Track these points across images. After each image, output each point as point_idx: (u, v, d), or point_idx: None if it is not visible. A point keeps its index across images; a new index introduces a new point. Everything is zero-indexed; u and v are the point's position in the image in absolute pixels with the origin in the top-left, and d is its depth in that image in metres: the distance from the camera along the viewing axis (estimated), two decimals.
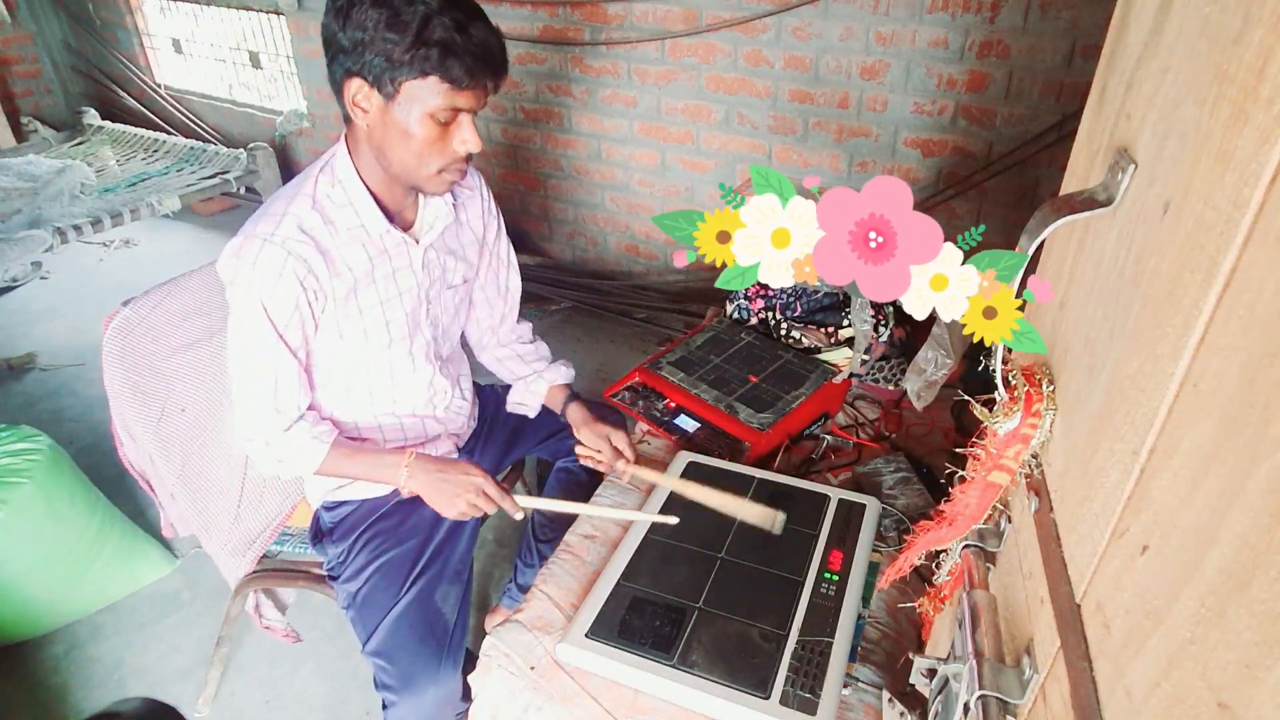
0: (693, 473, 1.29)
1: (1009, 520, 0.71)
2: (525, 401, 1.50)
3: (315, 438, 1.19)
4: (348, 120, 1.11)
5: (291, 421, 1.18)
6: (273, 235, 1.09)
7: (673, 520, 1.17)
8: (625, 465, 1.32)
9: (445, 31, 0.99)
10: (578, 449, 1.37)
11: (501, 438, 1.53)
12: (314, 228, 1.12)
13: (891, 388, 1.53)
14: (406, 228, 1.22)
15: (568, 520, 1.27)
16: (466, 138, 1.08)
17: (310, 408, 1.24)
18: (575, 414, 1.41)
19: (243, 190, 3.46)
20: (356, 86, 1.04)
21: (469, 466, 1.22)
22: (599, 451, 1.33)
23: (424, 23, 0.98)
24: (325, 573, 1.34)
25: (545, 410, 1.54)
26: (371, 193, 1.15)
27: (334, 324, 1.17)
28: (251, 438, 1.18)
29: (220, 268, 1.13)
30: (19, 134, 4.21)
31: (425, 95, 1.03)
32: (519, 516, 1.24)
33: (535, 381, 1.47)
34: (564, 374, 1.49)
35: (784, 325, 1.62)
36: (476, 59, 1.02)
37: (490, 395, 1.56)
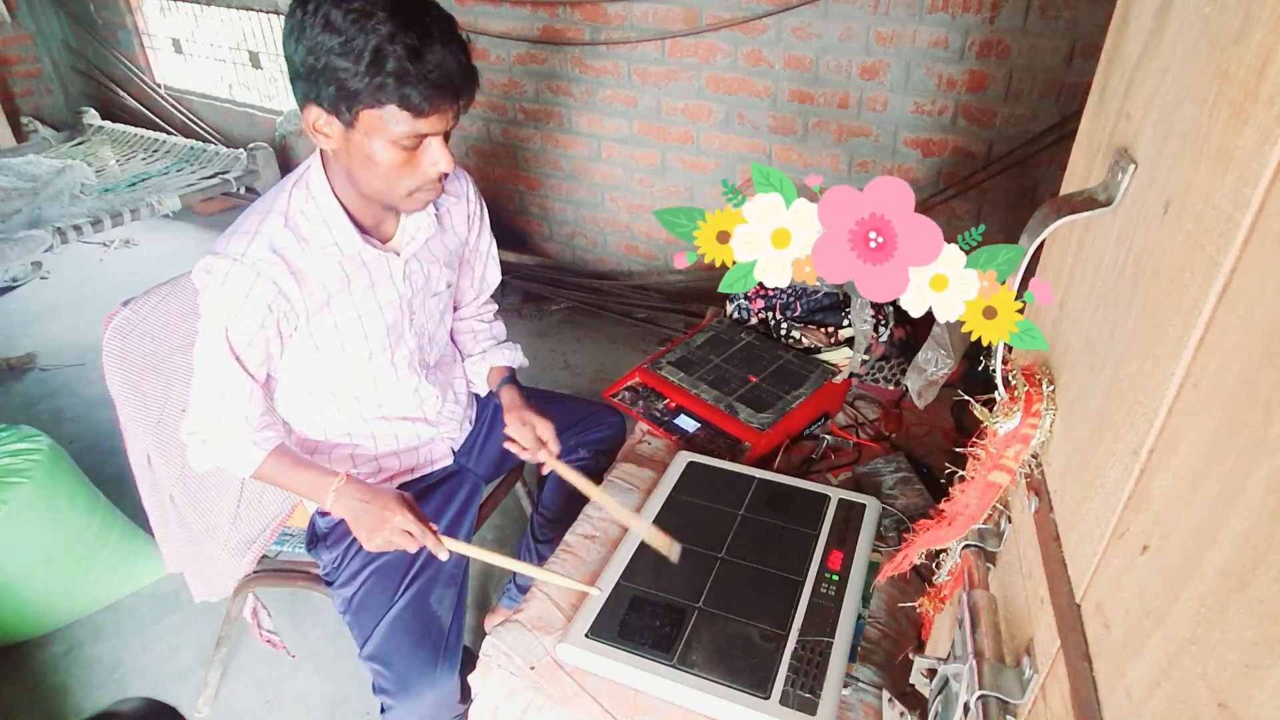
0: (687, 478, 1.29)
1: (1009, 520, 0.71)
2: (473, 380, 1.50)
3: (255, 444, 1.16)
4: None
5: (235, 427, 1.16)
6: (244, 255, 1.07)
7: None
8: (547, 456, 1.30)
9: (398, 61, 0.93)
10: (506, 433, 1.34)
11: (499, 440, 1.52)
12: (286, 246, 1.09)
13: (891, 388, 1.53)
14: (387, 239, 1.20)
15: (568, 520, 1.27)
16: (437, 159, 1.04)
17: (276, 416, 1.21)
18: (505, 397, 1.39)
19: (243, 190, 3.46)
20: (315, 113, 1.00)
21: (392, 501, 1.14)
22: (524, 439, 1.31)
23: (375, 52, 0.93)
24: (322, 577, 1.33)
25: (543, 411, 1.54)
26: (347, 209, 1.12)
27: (308, 339, 1.16)
28: (193, 432, 1.16)
29: (194, 277, 1.12)
30: (19, 134, 4.21)
31: (386, 124, 0.98)
32: (444, 557, 1.17)
33: (479, 362, 1.48)
34: (506, 357, 1.48)
35: (784, 325, 1.62)
36: (433, 86, 0.96)
37: (489, 396, 1.55)
